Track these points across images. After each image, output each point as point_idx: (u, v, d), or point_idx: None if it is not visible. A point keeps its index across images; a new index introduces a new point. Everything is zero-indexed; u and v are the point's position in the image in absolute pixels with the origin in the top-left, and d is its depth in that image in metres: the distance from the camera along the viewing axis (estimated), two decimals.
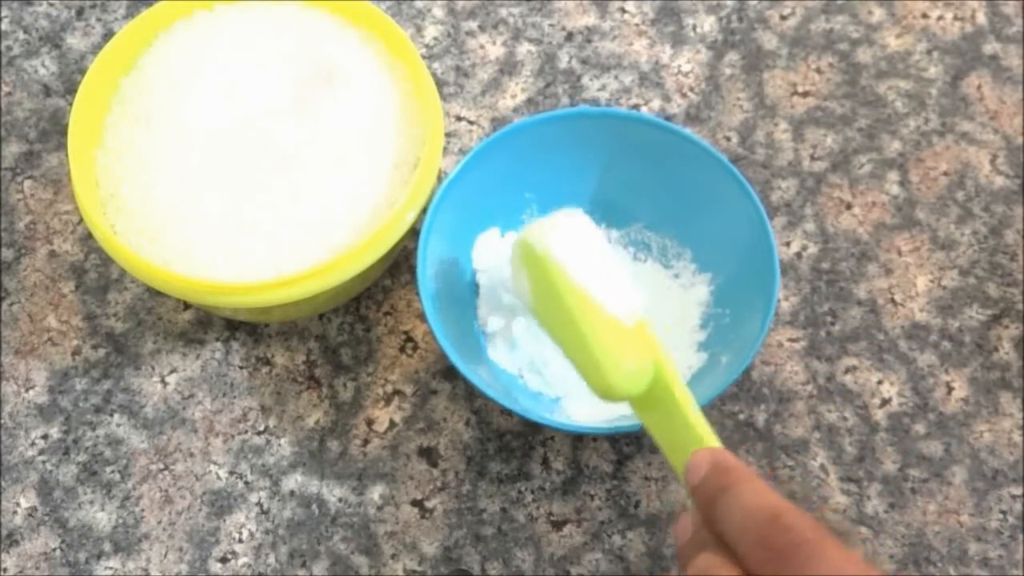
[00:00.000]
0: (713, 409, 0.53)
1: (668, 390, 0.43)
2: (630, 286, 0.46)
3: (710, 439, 0.41)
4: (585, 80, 0.62)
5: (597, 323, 0.44)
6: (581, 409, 0.51)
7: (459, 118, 0.61)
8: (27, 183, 0.59)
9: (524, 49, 0.63)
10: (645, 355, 0.44)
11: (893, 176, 0.60)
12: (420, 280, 0.49)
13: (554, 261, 0.45)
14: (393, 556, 0.50)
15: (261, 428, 0.53)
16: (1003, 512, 0.51)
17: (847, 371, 0.54)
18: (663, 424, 0.43)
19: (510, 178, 0.54)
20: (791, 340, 0.55)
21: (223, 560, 0.50)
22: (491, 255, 0.54)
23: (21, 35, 0.64)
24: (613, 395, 0.44)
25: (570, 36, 0.64)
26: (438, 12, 0.64)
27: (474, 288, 0.54)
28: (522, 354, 0.52)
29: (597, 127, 0.54)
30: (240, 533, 0.51)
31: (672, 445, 0.43)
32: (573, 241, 0.46)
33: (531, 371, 0.52)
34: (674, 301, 0.54)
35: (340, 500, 0.51)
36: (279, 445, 0.53)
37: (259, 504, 0.51)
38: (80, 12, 0.65)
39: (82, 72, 0.62)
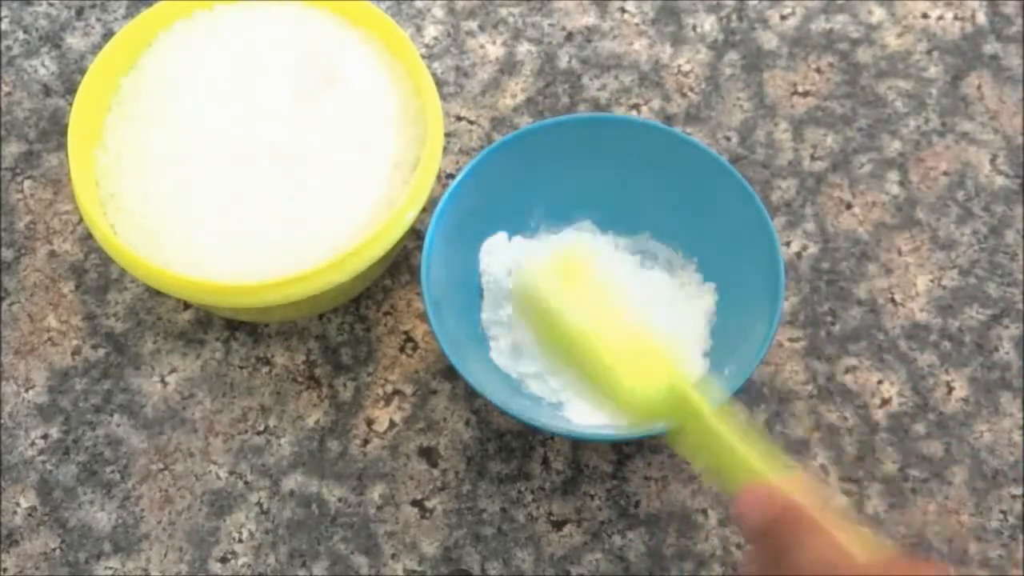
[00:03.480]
0: None
1: (698, 416, 0.41)
2: (637, 307, 0.45)
3: (760, 468, 0.39)
4: (585, 80, 0.62)
5: (598, 357, 0.43)
6: (582, 414, 0.51)
7: (459, 118, 0.61)
8: (27, 183, 0.59)
9: (524, 49, 0.63)
10: (654, 379, 0.43)
11: (893, 176, 0.60)
12: (423, 281, 0.49)
13: (544, 303, 0.44)
14: (393, 556, 0.50)
15: (261, 428, 0.53)
16: (1003, 512, 0.51)
17: (847, 371, 0.54)
18: (703, 450, 0.42)
19: (517, 183, 0.54)
20: (791, 340, 0.55)
21: (223, 560, 0.50)
22: (498, 259, 0.54)
23: (21, 35, 0.64)
24: (631, 416, 0.43)
25: (570, 36, 0.64)
26: (438, 12, 0.64)
27: (479, 291, 0.54)
28: (524, 358, 0.52)
29: (607, 133, 0.54)
30: (240, 533, 0.51)
31: (719, 472, 0.41)
32: (565, 273, 0.45)
33: (533, 375, 0.52)
34: (681, 311, 0.54)
35: (340, 500, 0.51)
36: (279, 445, 0.53)
37: (259, 504, 0.51)
38: (80, 12, 0.65)
39: (82, 72, 0.62)
